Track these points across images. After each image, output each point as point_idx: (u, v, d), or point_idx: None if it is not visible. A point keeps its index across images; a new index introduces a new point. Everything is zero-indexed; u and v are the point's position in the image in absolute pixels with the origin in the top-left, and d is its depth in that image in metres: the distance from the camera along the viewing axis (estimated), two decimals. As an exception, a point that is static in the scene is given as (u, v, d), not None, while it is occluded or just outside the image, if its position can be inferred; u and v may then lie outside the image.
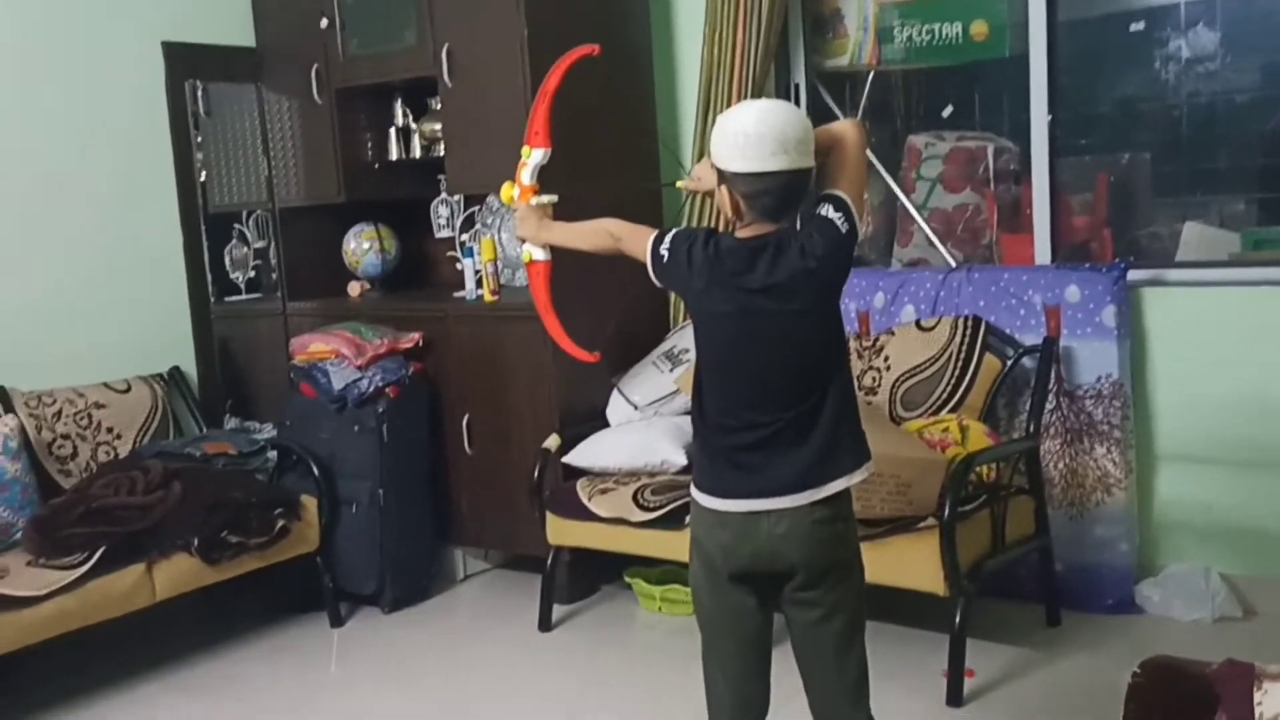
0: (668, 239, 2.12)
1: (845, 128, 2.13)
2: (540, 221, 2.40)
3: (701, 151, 4.06)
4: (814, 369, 2.06)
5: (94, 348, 4.15)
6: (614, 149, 4.01)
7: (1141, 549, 3.65)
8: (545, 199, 2.41)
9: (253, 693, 3.49)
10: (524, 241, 2.45)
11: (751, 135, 1.97)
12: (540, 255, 2.44)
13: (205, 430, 4.31)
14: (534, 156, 2.41)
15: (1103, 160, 4.06)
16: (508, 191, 2.43)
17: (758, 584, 2.10)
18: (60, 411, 3.92)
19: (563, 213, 2.44)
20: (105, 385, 4.09)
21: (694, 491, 2.14)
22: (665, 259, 2.12)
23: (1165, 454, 3.65)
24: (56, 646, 3.32)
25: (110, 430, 4.01)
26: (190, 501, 3.59)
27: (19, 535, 3.51)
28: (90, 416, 3.98)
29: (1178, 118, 3.94)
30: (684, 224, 4.00)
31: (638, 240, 2.18)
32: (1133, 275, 3.60)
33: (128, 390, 4.13)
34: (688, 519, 2.22)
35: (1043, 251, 3.91)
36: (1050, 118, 3.83)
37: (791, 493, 2.04)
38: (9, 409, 3.79)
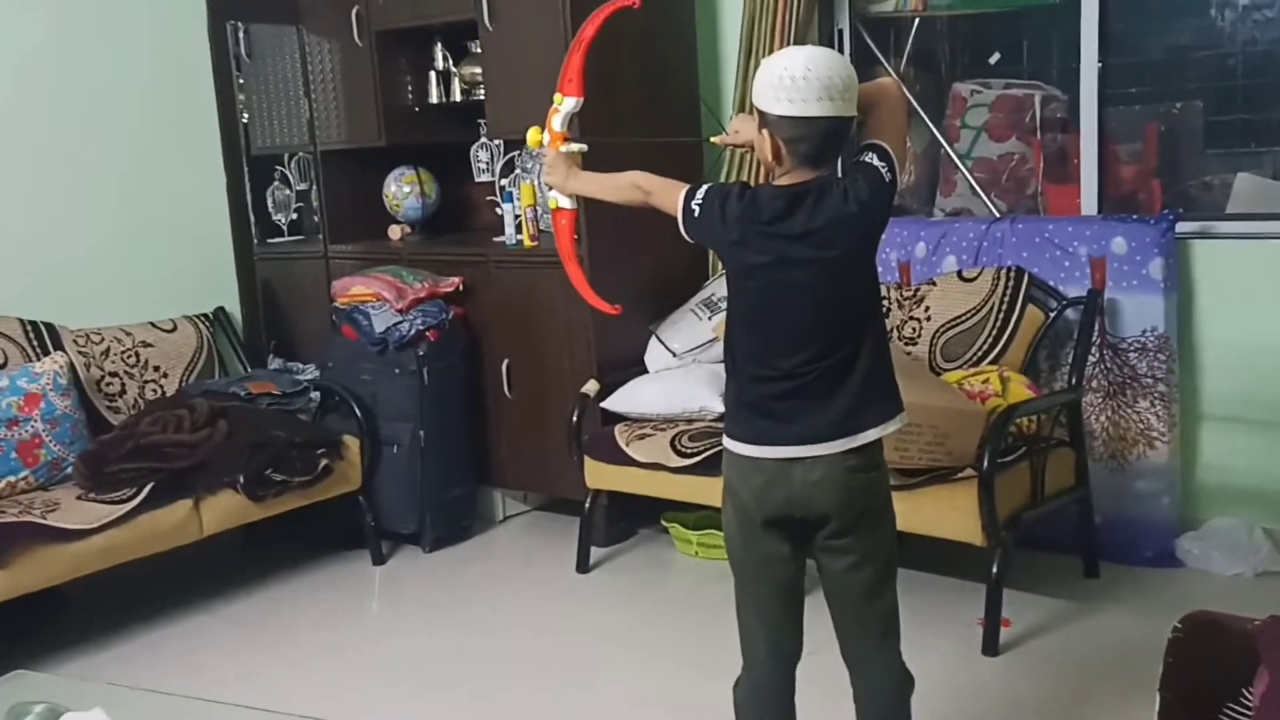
0: (700, 193, 2.11)
1: (887, 83, 2.15)
2: (569, 170, 2.38)
3: (744, 98, 4.01)
4: (848, 318, 2.05)
5: (140, 288, 4.21)
6: (652, 101, 3.97)
7: (1183, 503, 3.63)
8: (575, 147, 2.39)
9: (296, 627, 3.57)
10: (551, 188, 2.45)
11: (798, 79, 1.94)
12: (566, 203, 2.43)
13: (250, 370, 4.37)
14: (566, 104, 2.39)
15: (1153, 109, 3.99)
16: (535, 136, 2.41)
17: (790, 531, 2.11)
18: (108, 350, 3.99)
19: (601, 165, 2.43)
20: (152, 324, 4.15)
21: (726, 440, 2.15)
22: (697, 214, 2.10)
23: (1210, 408, 3.61)
24: (106, 578, 3.41)
25: (157, 369, 4.08)
26: (236, 439, 3.65)
27: (70, 470, 3.59)
28: (138, 355, 4.05)
29: (1232, 66, 3.85)
30: (723, 178, 3.97)
31: (668, 195, 2.16)
32: (1181, 227, 3.54)
33: (174, 330, 4.19)
34: (722, 466, 2.23)
35: (1089, 202, 3.86)
36: (1100, 65, 3.75)
37: (825, 440, 2.04)
38: (58, 346, 3.86)
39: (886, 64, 4.28)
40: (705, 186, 2.12)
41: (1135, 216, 3.61)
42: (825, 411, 2.03)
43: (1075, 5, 3.77)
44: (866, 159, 2.03)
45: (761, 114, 2.02)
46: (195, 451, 3.57)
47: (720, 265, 4.15)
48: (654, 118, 3.99)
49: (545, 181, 2.47)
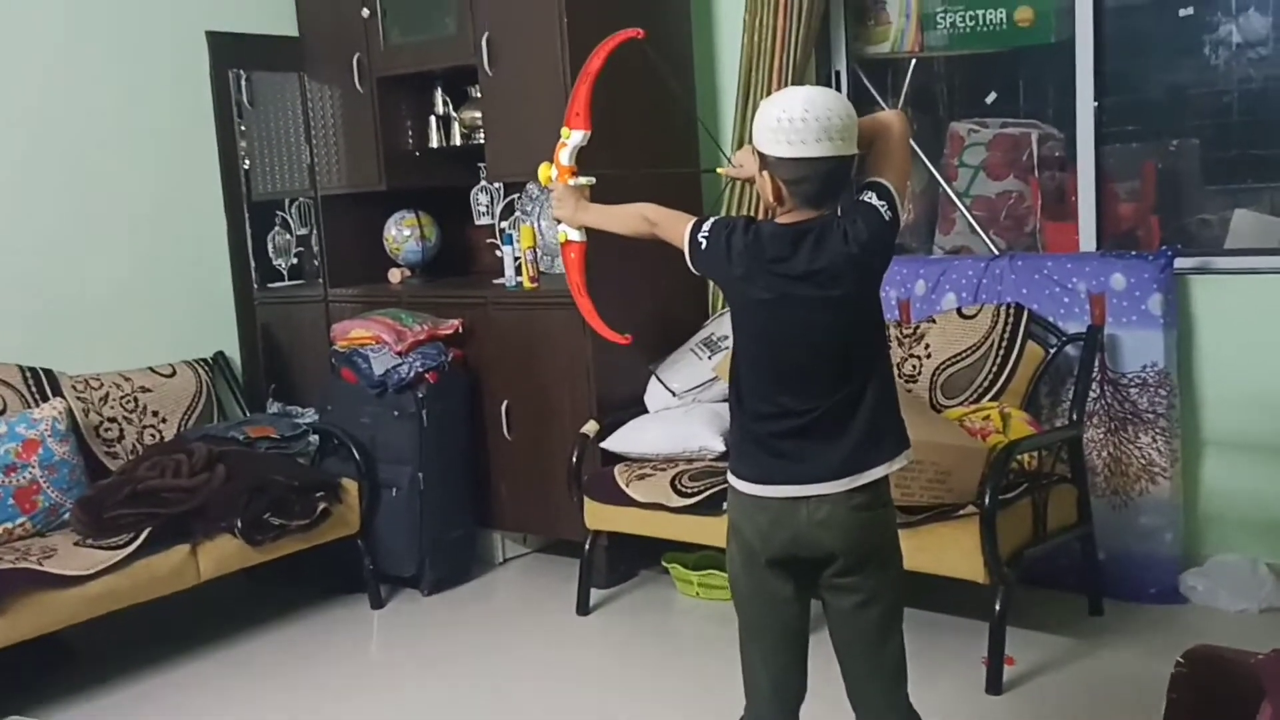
0: (706, 226, 2.12)
1: (889, 117, 2.12)
2: (577, 203, 2.40)
3: (742, 139, 4.04)
4: (854, 356, 2.04)
5: (140, 333, 4.21)
6: (654, 134, 4.01)
7: (1186, 538, 3.61)
8: (583, 180, 2.41)
9: (294, 672, 3.54)
10: (560, 222, 2.45)
11: (796, 120, 1.95)
12: (576, 236, 2.44)
13: (248, 414, 4.36)
14: (573, 138, 2.41)
15: (1150, 147, 4.01)
16: (545, 171, 2.43)
17: (796, 570, 2.10)
18: (107, 395, 3.98)
19: (602, 198, 2.45)
20: (151, 370, 4.15)
21: (731, 478, 2.14)
22: (704, 246, 2.11)
23: (1211, 443, 3.60)
24: (103, 625, 3.38)
25: (155, 414, 4.07)
26: (234, 484, 3.64)
27: (67, 515, 3.57)
28: (136, 400, 4.04)
29: (1228, 103, 3.87)
30: (724, 211, 3.99)
31: (675, 227, 2.18)
32: (1180, 263, 3.56)
33: (173, 375, 4.18)
34: (725, 505, 2.21)
35: (1087, 239, 3.87)
36: (1096, 104, 3.78)
37: (831, 479, 2.03)
38: (57, 392, 3.85)
39: (884, 104, 4.31)
40: (712, 219, 2.12)
41: (1134, 253, 3.62)
42: (831, 450, 2.03)
43: (1070, 45, 3.81)
44: (866, 198, 2.03)
45: (762, 156, 2.03)
46: (193, 496, 3.56)
47: (720, 304, 4.17)
48: (652, 150, 4.01)
49: (554, 215, 2.48)
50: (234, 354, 4.51)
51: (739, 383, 2.12)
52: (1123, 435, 3.55)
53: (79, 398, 3.91)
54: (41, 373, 3.87)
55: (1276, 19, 3.68)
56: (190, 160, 4.39)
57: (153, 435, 4.03)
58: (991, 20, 4.10)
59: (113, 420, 3.97)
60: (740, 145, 3.96)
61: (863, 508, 2.05)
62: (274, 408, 4.51)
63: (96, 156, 4.12)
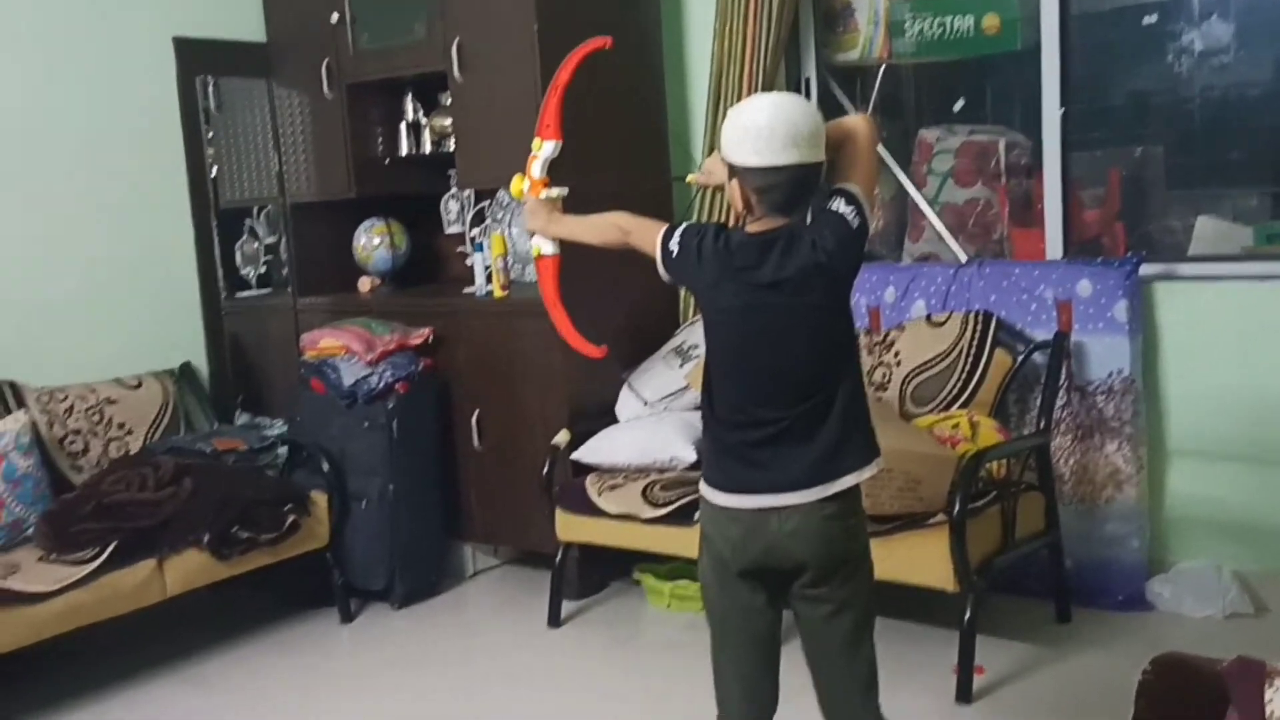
0: (677, 234, 2.12)
1: (856, 122, 2.12)
2: (550, 215, 2.39)
3: (712, 146, 4.05)
4: (824, 365, 2.05)
5: (105, 344, 4.16)
6: (624, 143, 4.01)
7: (1152, 545, 3.64)
8: (555, 192, 2.41)
9: (263, 688, 3.50)
10: (533, 235, 2.45)
11: (763, 129, 1.96)
12: (549, 249, 2.43)
13: (216, 426, 4.31)
14: (544, 149, 2.41)
15: (1115, 154, 4.04)
16: (517, 184, 2.42)
17: (767, 580, 2.10)
18: (72, 407, 3.94)
19: (573, 206, 2.44)
20: (117, 381, 4.10)
21: (703, 487, 2.14)
22: (675, 254, 2.11)
23: (1177, 450, 3.63)
24: (68, 642, 3.33)
25: (121, 426, 4.02)
26: (201, 497, 3.60)
27: (31, 530, 3.52)
28: (102, 412, 4.00)
29: (1191, 111, 3.91)
30: (694, 218, 3.99)
31: (647, 235, 2.18)
32: (1145, 270, 3.58)
33: (139, 386, 4.14)
34: (697, 515, 2.21)
35: (1054, 246, 3.89)
36: (1062, 111, 3.81)
37: (801, 489, 2.03)
38: (21, 405, 3.80)
39: (853, 112, 4.33)
40: (683, 226, 2.13)
41: (1100, 259, 3.64)
42: (802, 459, 2.03)
43: (1036, 52, 3.83)
44: (834, 207, 2.04)
45: (729, 164, 2.03)
46: (159, 510, 3.52)
47: (692, 312, 4.17)
48: (623, 158, 4.00)
49: (527, 228, 2.47)
50: (201, 365, 4.47)
51: (710, 391, 2.12)
52: (1089, 442, 3.58)
53: (43, 410, 3.85)
54: (5, 385, 3.82)
55: (1238, 27, 3.72)
56: (157, 167, 4.35)
57: (119, 448, 3.98)
58: (959, 28, 4.12)
59: (78, 433, 3.92)
60: (711, 151, 3.96)
61: (834, 517, 2.05)
62: (242, 418, 4.47)
63: (62, 163, 4.07)
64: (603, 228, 2.29)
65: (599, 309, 3.84)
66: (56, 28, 4.05)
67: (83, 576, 3.30)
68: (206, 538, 3.54)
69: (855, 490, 2.09)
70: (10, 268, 3.93)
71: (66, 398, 3.94)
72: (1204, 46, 3.80)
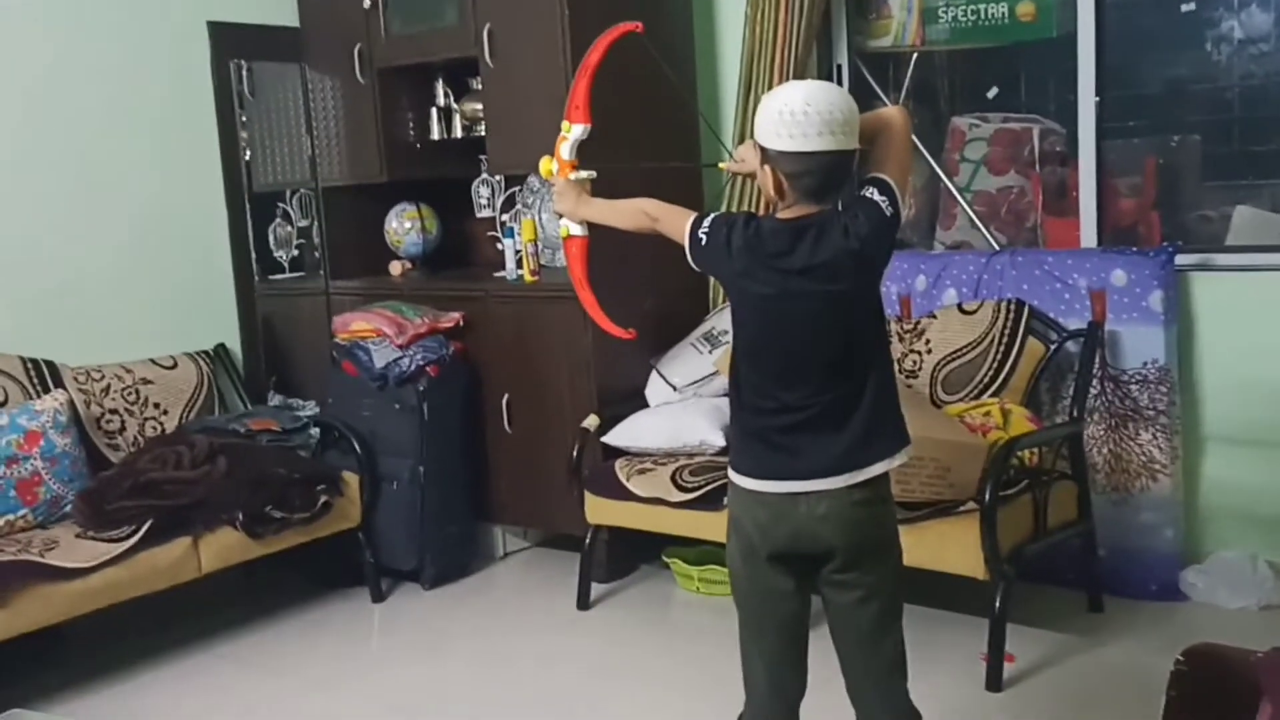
0: (706, 222, 2.12)
1: (891, 113, 2.13)
2: (578, 197, 2.40)
3: (743, 133, 4.04)
4: (854, 352, 2.04)
5: (141, 325, 4.21)
6: (655, 128, 4.00)
7: (1187, 535, 3.61)
8: (584, 174, 2.41)
9: (295, 665, 3.55)
10: (561, 216, 2.45)
11: (798, 114, 1.95)
12: (577, 231, 2.43)
13: (250, 407, 4.36)
14: (574, 132, 2.41)
15: (1151, 142, 4.00)
16: (546, 166, 2.43)
17: (795, 565, 2.10)
18: (108, 387, 3.99)
19: (603, 191, 2.44)
20: (152, 361, 4.15)
21: (731, 474, 2.14)
22: (704, 242, 2.11)
23: (1212, 440, 3.60)
24: (105, 617, 3.38)
25: (157, 406, 4.07)
26: (235, 477, 3.64)
27: (69, 508, 3.57)
28: (138, 392, 4.04)
29: (1230, 99, 3.87)
30: (725, 206, 3.99)
31: (676, 222, 2.18)
32: (1180, 259, 3.55)
33: (174, 367, 4.18)
34: (726, 500, 2.22)
35: (1088, 235, 3.87)
36: (1098, 99, 3.78)
37: (831, 475, 2.03)
38: (58, 384, 3.86)
39: (885, 98, 4.31)
40: (712, 215, 2.13)
41: (1134, 249, 3.61)
42: (831, 445, 2.03)
43: (1072, 40, 3.80)
44: (867, 194, 2.03)
45: (763, 149, 2.02)
46: (194, 489, 3.56)
47: (721, 298, 4.16)
48: (653, 145, 4.00)
49: (555, 210, 2.48)
50: (235, 346, 4.51)
51: (738, 378, 2.12)
52: (1123, 432, 3.55)
53: (80, 389, 3.91)
54: (43, 364, 3.87)
55: (1278, 14, 3.67)
56: (191, 151, 4.39)
57: (154, 427, 4.03)
58: (993, 15, 4.09)
59: (114, 412, 3.97)
60: (742, 139, 3.95)
61: (863, 504, 2.05)
62: (275, 400, 4.51)
63: (97, 147, 4.11)
64: (631, 213, 2.30)
65: (629, 294, 3.86)
66: (91, 13, 4.08)
67: (120, 553, 3.35)
68: (240, 516, 3.58)
69: (884, 477, 2.09)
70: (47, 250, 3.98)
71: (103, 377, 3.99)
72: (1244, 34, 3.76)
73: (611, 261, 3.79)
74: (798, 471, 2.04)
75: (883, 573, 2.11)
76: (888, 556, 2.13)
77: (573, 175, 2.40)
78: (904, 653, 2.15)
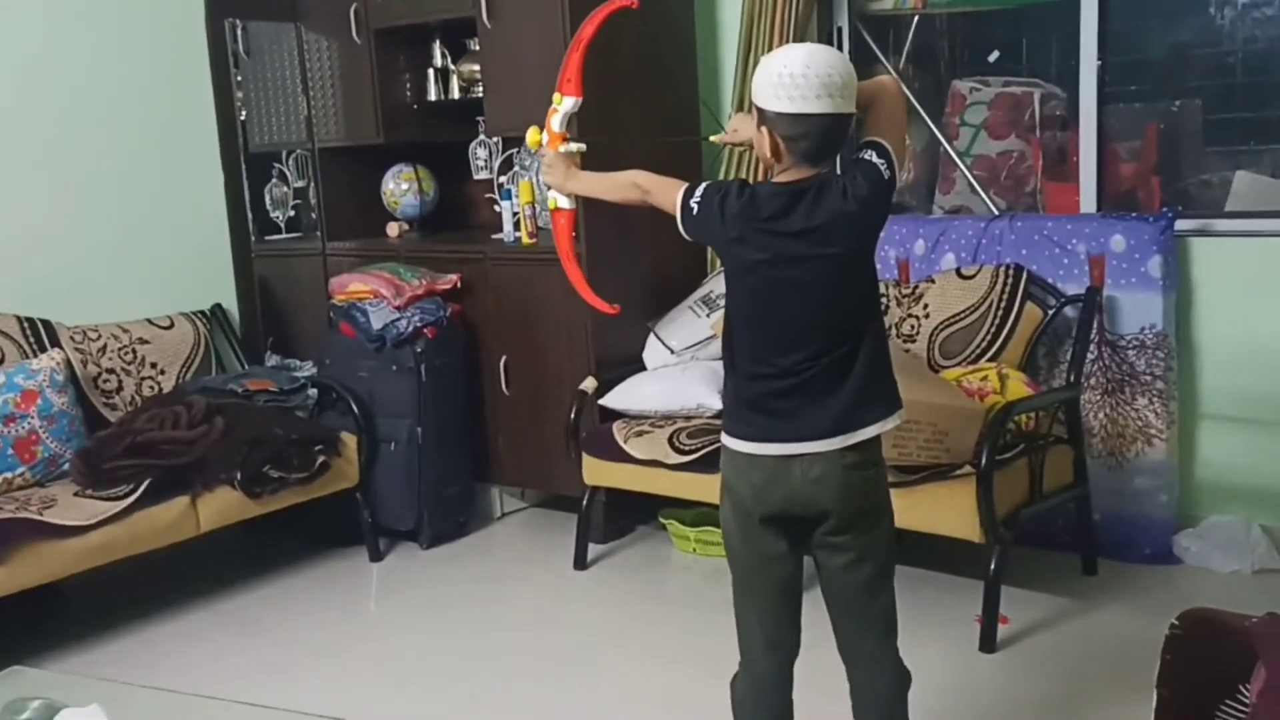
0: (698, 192, 2.10)
1: (884, 80, 2.14)
2: (567, 170, 2.38)
3: (742, 98, 4.01)
4: (847, 315, 2.05)
5: (137, 285, 4.21)
6: (651, 101, 3.97)
7: (1181, 500, 3.63)
8: (574, 147, 2.40)
9: (293, 624, 3.57)
10: (549, 188, 2.44)
11: (797, 75, 1.94)
12: (565, 203, 2.43)
13: (247, 367, 4.36)
14: (565, 104, 2.39)
15: (1153, 107, 3.98)
16: (534, 136, 2.42)
17: (789, 528, 2.11)
18: (105, 346, 3.98)
19: (601, 164, 2.43)
20: (149, 321, 4.14)
21: (725, 437, 2.14)
22: (695, 211, 2.10)
23: (1208, 406, 3.61)
24: (105, 576, 3.40)
25: (154, 365, 4.07)
26: (233, 436, 3.64)
27: (66, 466, 3.58)
28: (134, 352, 4.04)
29: (1232, 64, 3.84)
30: (721, 177, 3.97)
31: (667, 193, 2.17)
32: (1180, 225, 3.54)
33: (171, 327, 4.18)
34: (721, 463, 2.22)
35: (1088, 200, 3.85)
36: (1100, 63, 3.75)
37: (824, 438, 2.03)
38: (55, 343, 3.85)
39: (886, 62, 4.28)
40: (704, 184, 2.12)
41: (1134, 214, 3.60)
42: (824, 409, 2.03)
43: (1074, 3, 3.77)
44: (866, 156, 2.03)
45: (761, 111, 2.01)
46: (192, 448, 3.57)
47: (719, 262, 4.15)
48: (653, 117, 3.98)
49: (544, 181, 2.47)
50: (232, 306, 4.51)
51: (732, 342, 2.12)
52: (1120, 397, 3.56)
53: (77, 349, 3.90)
54: (40, 323, 3.87)
55: (1283, -21, 3.64)
56: (187, 110, 4.36)
57: (151, 387, 4.04)
58: (996, -22, 4.06)
59: (111, 371, 3.97)
60: (742, 104, 3.93)
61: (855, 467, 2.06)
62: (272, 360, 4.51)
63: (92, 106, 4.09)
64: (621, 186, 2.28)
65: (627, 259, 3.86)
66: (87, -32, 4.05)
67: (118, 512, 3.36)
68: (238, 476, 3.59)
69: (877, 441, 2.09)
70: (42, 210, 3.97)
71: (99, 337, 3.99)
72: (1247, -2, 3.73)
73: (609, 224, 3.78)
74: (792, 434, 2.05)
75: (875, 535, 2.12)
76: (880, 519, 2.14)
77: (562, 148, 2.39)
78: (895, 613, 2.17)
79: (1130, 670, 2.83)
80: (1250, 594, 3.21)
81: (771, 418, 2.06)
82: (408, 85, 4.58)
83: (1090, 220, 3.63)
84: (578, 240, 2.46)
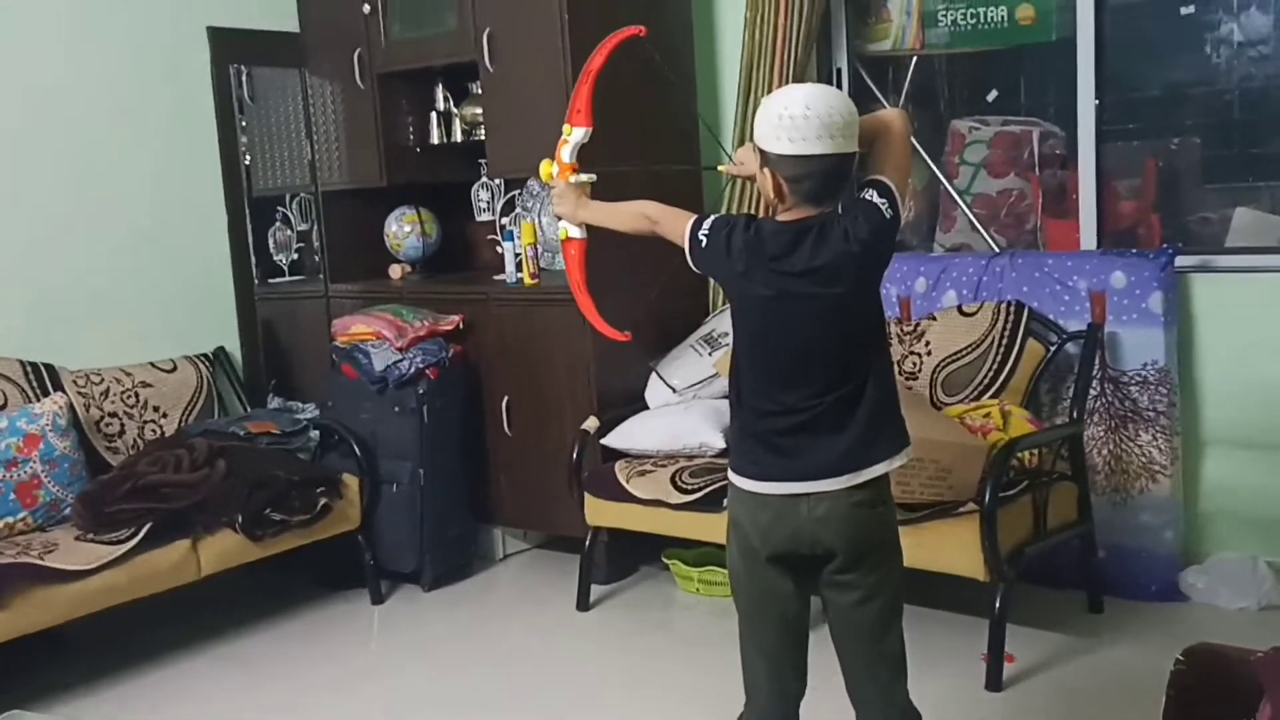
0: (706, 224, 2.12)
1: (890, 115, 2.13)
2: (578, 200, 2.41)
3: (743, 136, 4.04)
4: (854, 353, 2.05)
5: (140, 328, 4.21)
6: (655, 132, 4.00)
7: (1187, 536, 3.61)
8: (584, 178, 2.42)
9: (295, 667, 3.54)
10: (560, 219, 2.46)
11: (798, 117, 1.95)
12: (576, 233, 2.44)
13: (249, 409, 4.36)
14: (575, 135, 2.42)
15: (1151, 145, 4.01)
16: (546, 168, 2.44)
17: (795, 566, 2.10)
18: (108, 390, 3.99)
19: (604, 195, 2.45)
20: (151, 365, 4.15)
21: (731, 475, 2.14)
22: (704, 244, 2.11)
23: (1212, 441, 3.60)
24: (105, 619, 3.38)
25: (156, 409, 4.07)
26: (234, 479, 3.64)
27: (68, 510, 3.57)
28: (137, 395, 4.05)
29: (1229, 102, 3.87)
30: (725, 209, 3.99)
31: (675, 224, 2.18)
32: (1180, 261, 3.56)
33: (173, 370, 4.18)
34: (725, 501, 2.22)
35: (1088, 237, 3.87)
36: (1097, 102, 3.78)
37: (831, 476, 2.03)
38: (58, 387, 3.86)
39: (885, 102, 4.31)
40: (712, 217, 2.13)
41: (1134, 251, 3.62)
42: (831, 447, 2.03)
43: (1071, 43, 3.81)
44: (867, 196, 2.03)
45: (763, 152, 2.03)
46: (194, 491, 3.56)
47: (720, 300, 4.17)
48: (655, 147, 4.00)
49: (555, 212, 2.49)
50: (235, 349, 4.51)
51: (738, 380, 2.12)
52: (1123, 433, 3.56)
53: (80, 392, 3.91)
54: (42, 367, 3.87)
55: (1277, 17, 3.68)
56: (191, 156, 4.39)
57: (154, 430, 4.03)
58: (993, 18, 4.10)
59: (114, 415, 3.97)
60: (741, 143, 3.95)
61: (863, 505, 2.05)
62: (275, 403, 4.51)
63: (98, 151, 4.12)
64: (630, 216, 2.30)
65: (628, 296, 3.84)
66: (91, 17, 4.09)
67: (119, 556, 3.35)
68: (240, 519, 3.58)
69: (885, 478, 2.09)
70: (47, 253, 3.98)
71: (102, 380, 3.99)
72: (1243, 37, 3.76)
73: (611, 262, 3.79)
74: (798, 473, 2.04)
75: (883, 573, 2.10)
76: (888, 557, 2.12)
77: (573, 178, 2.41)
78: (904, 653, 2.15)
79: (1137, 708, 2.79)
80: (1257, 631, 3.18)
81: (778, 455, 2.06)
82: (410, 128, 4.62)
83: (1091, 257, 3.65)
84: (587, 270, 2.47)
